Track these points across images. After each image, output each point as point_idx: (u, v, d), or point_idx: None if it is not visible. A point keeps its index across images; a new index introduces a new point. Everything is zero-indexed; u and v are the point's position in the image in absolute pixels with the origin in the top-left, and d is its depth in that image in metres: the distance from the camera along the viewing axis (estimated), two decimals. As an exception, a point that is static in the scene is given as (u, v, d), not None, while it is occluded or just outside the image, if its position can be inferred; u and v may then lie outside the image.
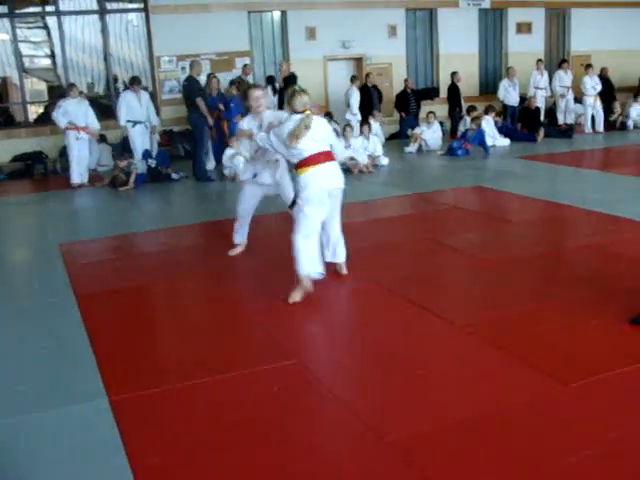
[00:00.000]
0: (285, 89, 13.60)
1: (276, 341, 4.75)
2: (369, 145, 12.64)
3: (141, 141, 12.33)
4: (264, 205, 6.93)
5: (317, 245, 5.54)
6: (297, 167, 5.52)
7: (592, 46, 18.82)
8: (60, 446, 3.53)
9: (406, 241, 7.26)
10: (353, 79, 15.37)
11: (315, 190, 5.39)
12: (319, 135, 5.47)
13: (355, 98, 15.08)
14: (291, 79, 13.99)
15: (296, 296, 5.38)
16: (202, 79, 12.69)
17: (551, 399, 3.77)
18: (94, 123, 12.25)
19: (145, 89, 13.58)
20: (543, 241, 7.35)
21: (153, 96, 14.54)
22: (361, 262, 6.30)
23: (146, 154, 12.41)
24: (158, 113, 14.57)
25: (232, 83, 13.94)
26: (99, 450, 3.48)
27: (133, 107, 12.17)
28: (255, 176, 6.50)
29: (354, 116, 14.89)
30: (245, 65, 14.99)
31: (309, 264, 5.39)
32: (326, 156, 5.50)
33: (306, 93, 5.48)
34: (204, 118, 11.89)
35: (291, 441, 3.46)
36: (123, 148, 12.91)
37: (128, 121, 12.16)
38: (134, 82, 12.41)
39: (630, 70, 18.90)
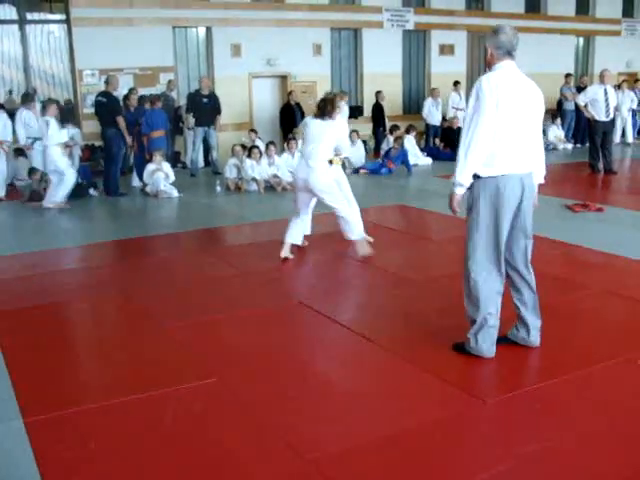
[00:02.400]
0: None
1: (197, 359, 4.70)
2: (294, 162, 12.63)
3: (42, 158, 11.75)
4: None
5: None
6: None
7: (511, 69, 19.31)
8: (-30, 471, 3.41)
9: (328, 259, 7.32)
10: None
11: None
12: None
13: None
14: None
15: None
16: (118, 94, 12.52)
17: (470, 416, 3.83)
18: (19, 135, 11.89)
19: (58, 102, 13.32)
20: (462, 259, 7.47)
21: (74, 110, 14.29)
22: (283, 280, 6.30)
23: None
24: (80, 127, 14.35)
25: (156, 98, 13.85)
26: (12, 475, 3.37)
27: (30, 125, 11.79)
28: None
29: None
30: (169, 81, 14.91)
31: None
32: None
33: None
34: (122, 135, 11.72)
35: (211, 460, 3.42)
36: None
37: (28, 138, 11.82)
38: (27, 99, 12.07)
39: (547, 93, 19.40)
